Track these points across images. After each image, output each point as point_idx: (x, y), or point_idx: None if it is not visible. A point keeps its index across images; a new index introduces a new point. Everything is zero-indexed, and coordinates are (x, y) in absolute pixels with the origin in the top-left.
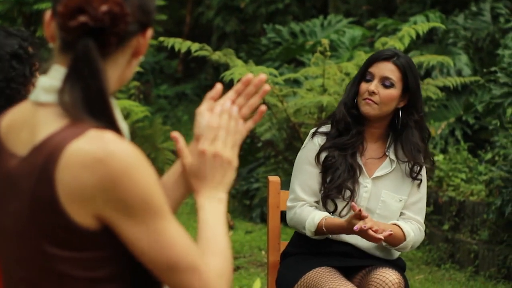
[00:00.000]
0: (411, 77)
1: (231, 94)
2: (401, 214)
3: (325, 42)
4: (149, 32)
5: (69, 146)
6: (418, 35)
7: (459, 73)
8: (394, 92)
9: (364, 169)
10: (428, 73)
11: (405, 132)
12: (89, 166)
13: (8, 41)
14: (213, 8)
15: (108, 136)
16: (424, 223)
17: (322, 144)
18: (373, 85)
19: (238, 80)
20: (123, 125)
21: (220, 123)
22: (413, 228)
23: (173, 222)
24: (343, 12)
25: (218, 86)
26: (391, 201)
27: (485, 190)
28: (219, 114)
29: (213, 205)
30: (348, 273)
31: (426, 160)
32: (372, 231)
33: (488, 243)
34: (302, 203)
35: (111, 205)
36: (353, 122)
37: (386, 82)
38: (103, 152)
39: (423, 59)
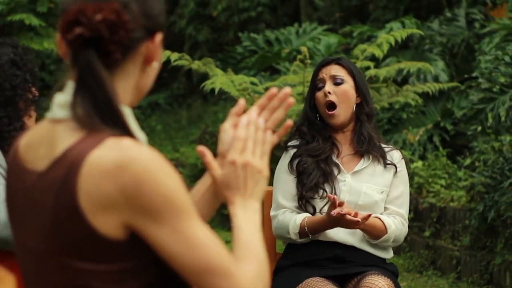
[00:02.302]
0: (357, 73)
1: (255, 108)
2: (385, 209)
3: (305, 50)
4: (158, 37)
5: (89, 156)
6: (395, 41)
7: (435, 79)
8: (347, 86)
9: (342, 166)
10: (405, 80)
11: (358, 126)
12: (111, 174)
13: (3, 50)
14: (185, 17)
15: (126, 142)
16: None
17: (296, 153)
18: (327, 87)
19: (220, 89)
20: (140, 134)
21: (248, 134)
22: (395, 222)
23: (201, 225)
24: (316, 20)
25: (241, 102)
26: (373, 193)
27: (465, 196)
28: (246, 125)
29: (247, 214)
30: (341, 281)
31: (380, 148)
32: (350, 216)
33: (470, 249)
34: (284, 210)
35: (137, 210)
36: (318, 132)
37: (336, 80)
38: (123, 158)
39: (403, 65)
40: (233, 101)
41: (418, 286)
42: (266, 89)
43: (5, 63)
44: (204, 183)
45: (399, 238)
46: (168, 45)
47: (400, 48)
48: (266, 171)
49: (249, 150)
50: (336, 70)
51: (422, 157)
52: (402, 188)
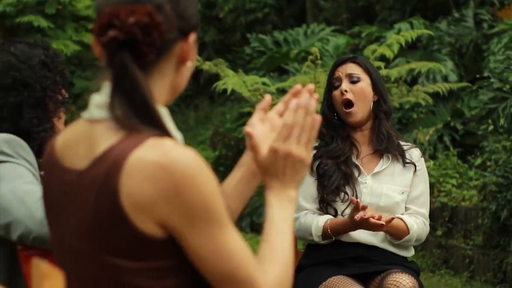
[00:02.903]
0: (373, 71)
1: (280, 105)
2: (406, 209)
3: (316, 50)
4: (192, 37)
5: (131, 156)
6: (405, 42)
7: (445, 79)
8: (363, 84)
9: (362, 168)
10: (414, 80)
11: (376, 124)
12: (153, 174)
13: (34, 52)
14: None
15: (168, 143)
16: None
17: (316, 155)
18: (344, 85)
19: (232, 90)
20: (177, 134)
21: (295, 119)
22: (417, 222)
23: (232, 232)
24: (322, 21)
25: (267, 97)
26: (394, 194)
27: (477, 195)
28: (294, 110)
29: (282, 204)
30: (365, 280)
31: (398, 146)
32: (374, 219)
33: (483, 248)
34: (305, 212)
35: (175, 212)
36: (336, 131)
37: (353, 78)
38: (165, 159)
39: (415, 66)
40: (241, 101)
41: (431, 285)
42: (278, 89)
43: (36, 65)
44: (235, 175)
45: (421, 237)
46: None
47: (409, 49)
48: (308, 159)
49: (293, 137)
50: (352, 68)
51: (433, 157)
52: (422, 187)
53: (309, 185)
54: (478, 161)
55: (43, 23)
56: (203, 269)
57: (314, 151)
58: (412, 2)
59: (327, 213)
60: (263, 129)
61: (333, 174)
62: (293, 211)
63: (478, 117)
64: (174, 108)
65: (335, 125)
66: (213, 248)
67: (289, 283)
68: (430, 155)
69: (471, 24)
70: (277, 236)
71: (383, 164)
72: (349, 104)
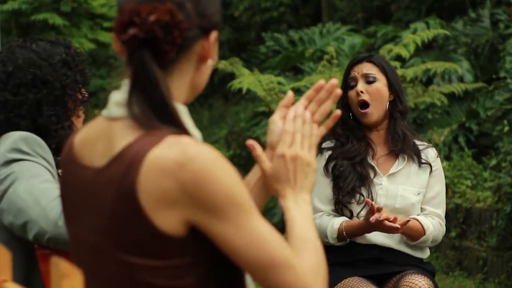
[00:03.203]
0: (389, 70)
1: (302, 100)
2: (422, 210)
3: (332, 50)
4: (213, 35)
5: (150, 153)
6: (421, 42)
7: (460, 80)
8: (379, 85)
9: (377, 169)
10: (430, 80)
11: (392, 124)
12: (172, 172)
13: (56, 50)
14: None
15: (186, 140)
16: None
17: (331, 156)
18: (359, 86)
19: (247, 89)
20: (195, 132)
21: (295, 127)
22: (433, 223)
23: (261, 219)
24: (337, 20)
25: (290, 94)
26: (409, 195)
27: (492, 197)
28: (293, 119)
29: (299, 206)
30: (379, 281)
31: (414, 146)
32: (389, 221)
33: (497, 250)
34: (321, 213)
35: (198, 208)
36: (351, 132)
37: (369, 78)
38: (183, 156)
39: (430, 66)
40: (255, 101)
41: (444, 287)
42: (293, 89)
43: (57, 63)
44: (253, 175)
45: (437, 238)
46: None
47: (425, 49)
48: (314, 164)
49: (297, 143)
50: (368, 68)
51: (447, 158)
52: (438, 188)
53: (324, 186)
54: (493, 162)
55: (58, 21)
56: (240, 259)
57: (330, 152)
58: (428, 2)
59: (342, 214)
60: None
61: (349, 175)
62: (311, 210)
63: (494, 117)
64: (188, 107)
65: (350, 125)
66: (245, 235)
67: (323, 273)
68: (444, 156)
69: (487, 24)
70: (303, 231)
71: (399, 165)
72: (364, 105)
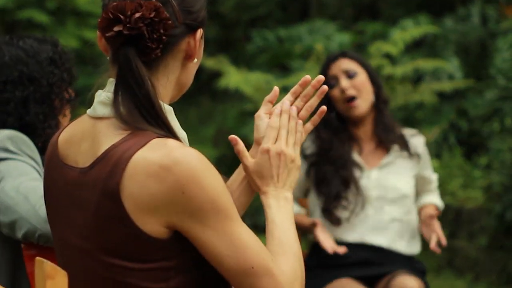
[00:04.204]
0: (366, 63)
1: (288, 96)
2: (420, 192)
3: (320, 47)
4: (199, 33)
5: (135, 156)
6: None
7: (450, 77)
8: (362, 77)
9: (363, 164)
10: (419, 78)
11: (378, 115)
12: (156, 175)
13: (43, 47)
14: None
15: (171, 143)
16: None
17: (312, 160)
18: (343, 83)
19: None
20: (181, 132)
21: (281, 123)
22: (438, 195)
23: (243, 225)
24: (326, 17)
25: (276, 89)
26: (401, 185)
27: (482, 196)
28: (279, 114)
29: (280, 204)
30: (370, 282)
31: (401, 136)
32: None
33: (488, 249)
34: None
35: (182, 212)
36: (334, 134)
37: (349, 73)
38: (168, 159)
39: (419, 63)
40: (243, 99)
41: (435, 286)
42: (281, 87)
43: (44, 60)
44: (239, 172)
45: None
46: None
47: (415, 46)
48: (298, 160)
49: (282, 139)
50: (346, 63)
51: (438, 156)
52: (429, 170)
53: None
54: (484, 161)
55: (43, 18)
56: (220, 265)
57: (313, 157)
58: None
59: (330, 223)
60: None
61: (332, 180)
62: (291, 209)
63: (484, 116)
64: (175, 105)
65: (333, 126)
66: (227, 242)
67: (302, 277)
68: (435, 154)
69: (477, 21)
70: (282, 233)
71: (388, 156)
72: (352, 98)
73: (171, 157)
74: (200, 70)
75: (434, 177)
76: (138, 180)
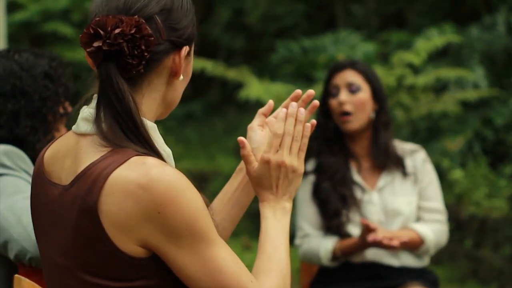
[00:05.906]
0: (374, 79)
1: (280, 110)
2: (420, 210)
3: (342, 57)
4: (185, 50)
5: (112, 174)
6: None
7: (475, 86)
8: (364, 95)
9: (364, 184)
10: (444, 87)
11: (374, 135)
12: (133, 194)
13: (38, 61)
14: (220, 25)
15: (150, 162)
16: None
17: (314, 180)
18: (342, 96)
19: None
20: (166, 148)
21: (286, 128)
22: (433, 229)
23: (221, 247)
24: (352, 26)
25: (271, 102)
26: (401, 206)
27: (507, 206)
28: (284, 119)
29: (277, 215)
30: None
31: (397, 158)
32: (387, 239)
33: None
34: (307, 236)
35: (157, 232)
36: (329, 145)
37: (352, 88)
38: (146, 178)
39: (443, 73)
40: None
41: None
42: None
43: (38, 74)
44: (231, 183)
45: (440, 243)
46: (202, 53)
47: (439, 55)
48: (301, 169)
49: (285, 147)
50: (351, 76)
51: (462, 166)
52: (432, 190)
53: (314, 212)
54: (509, 170)
55: (68, 31)
56: (194, 287)
57: (312, 176)
58: (443, 8)
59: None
60: (262, 134)
61: (331, 198)
62: (288, 222)
63: (509, 125)
64: (202, 117)
65: (329, 135)
66: (201, 266)
67: None
68: (459, 164)
69: (503, 30)
70: (273, 248)
71: (386, 178)
72: (346, 113)
73: (148, 176)
74: (224, 81)
75: (437, 205)
76: (115, 199)
